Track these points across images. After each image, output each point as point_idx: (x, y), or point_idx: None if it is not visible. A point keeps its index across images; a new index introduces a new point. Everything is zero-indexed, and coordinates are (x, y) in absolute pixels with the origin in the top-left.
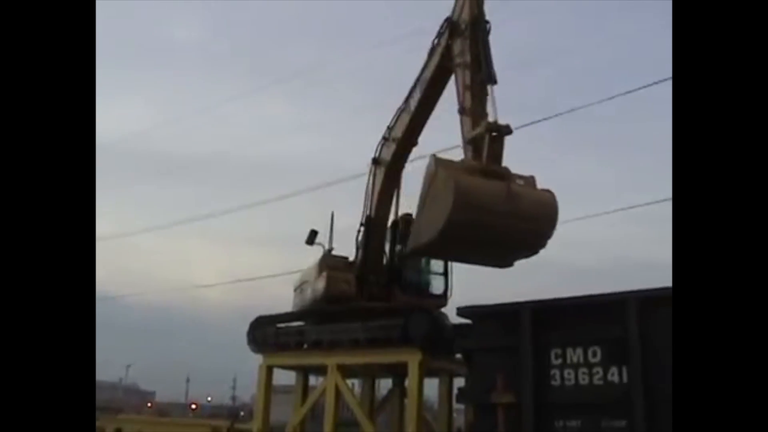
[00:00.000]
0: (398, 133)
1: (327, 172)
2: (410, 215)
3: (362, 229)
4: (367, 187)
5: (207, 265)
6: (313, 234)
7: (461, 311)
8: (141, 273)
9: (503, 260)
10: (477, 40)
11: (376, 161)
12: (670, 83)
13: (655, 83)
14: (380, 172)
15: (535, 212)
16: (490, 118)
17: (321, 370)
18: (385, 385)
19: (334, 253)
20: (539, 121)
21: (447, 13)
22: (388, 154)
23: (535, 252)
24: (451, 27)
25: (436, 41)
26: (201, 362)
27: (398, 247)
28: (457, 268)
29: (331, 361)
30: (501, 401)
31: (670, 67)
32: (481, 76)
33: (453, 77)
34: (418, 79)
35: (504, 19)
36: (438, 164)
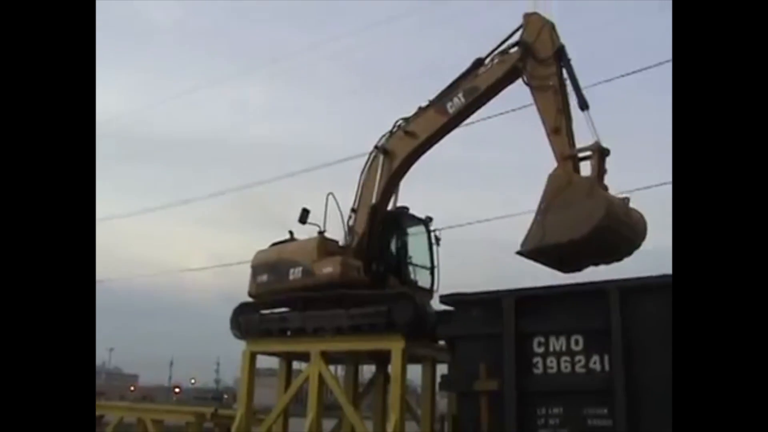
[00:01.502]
0: (422, 132)
1: (310, 156)
2: (407, 208)
3: (354, 215)
4: (366, 173)
5: (192, 249)
6: (305, 213)
7: (444, 299)
8: (125, 257)
9: (584, 265)
10: (565, 68)
11: (385, 152)
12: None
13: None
14: (388, 163)
15: (637, 226)
16: (592, 139)
17: (304, 357)
18: (368, 369)
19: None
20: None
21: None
22: (403, 149)
23: (619, 260)
24: (525, 50)
25: (496, 58)
26: (185, 345)
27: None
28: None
29: (315, 348)
30: (484, 389)
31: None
32: (564, 98)
33: (535, 98)
34: (457, 85)
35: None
36: (571, 173)
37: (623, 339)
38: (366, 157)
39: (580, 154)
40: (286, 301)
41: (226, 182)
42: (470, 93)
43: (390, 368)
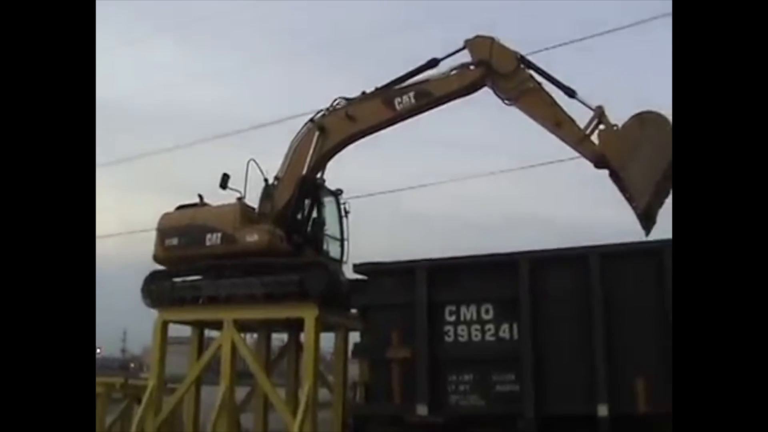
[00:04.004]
0: (364, 120)
1: (223, 122)
2: (323, 180)
3: (277, 182)
4: (298, 145)
5: (99, 215)
6: (225, 178)
7: (358, 268)
8: None
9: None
10: (536, 72)
11: (322, 128)
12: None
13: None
14: (323, 140)
15: None
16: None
17: (217, 325)
18: (279, 336)
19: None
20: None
21: None
22: (341, 131)
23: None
24: (487, 68)
25: (455, 69)
26: None
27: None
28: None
29: (228, 316)
30: (396, 356)
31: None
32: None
33: (520, 106)
34: (409, 83)
35: None
36: (611, 133)
37: (531, 308)
38: (282, 122)
39: (589, 129)
40: (197, 268)
41: (134, 148)
42: (422, 96)
43: (302, 336)
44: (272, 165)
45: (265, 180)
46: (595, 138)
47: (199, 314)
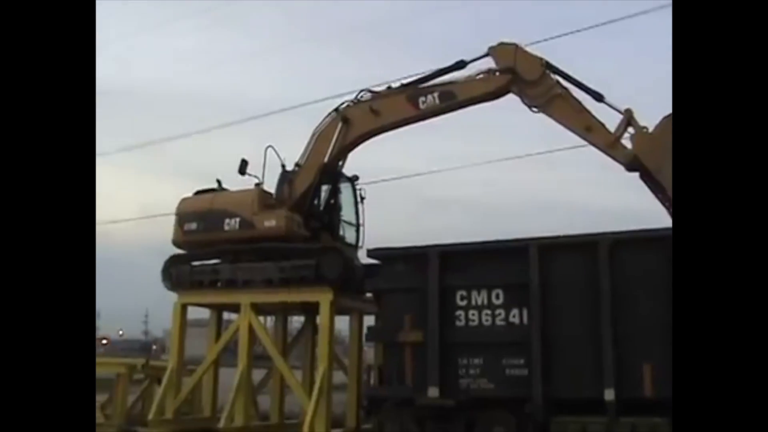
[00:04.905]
0: (388, 115)
1: (242, 108)
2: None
3: (298, 169)
4: (321, 133)
5: (119, 201)
6: (244, 164)
7: (372, 253)
8: None
9: None
10: (562, 77)
11: (345, 120)
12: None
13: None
14: (345, 131)
15: None
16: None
17: (235, 308)
18: (297, 319)
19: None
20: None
21: None
22: (364, 124)
23: None
24: (513, 75)
25: (481, 74)
26: (112, 297)
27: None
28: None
29: (245, 299)
30: (408, 340)
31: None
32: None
33: (549, 113)
34: (435, 83)
35: None
36: (642, 137)
37: (541, 294)
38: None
39: (619, 133)
40: (215, 252)
41: (154, 133)
42: (446, 98)
43: (318, 319)
44: (290, 152)
45: (283, 166)
46: (624, 141)
47: (218, 298)
